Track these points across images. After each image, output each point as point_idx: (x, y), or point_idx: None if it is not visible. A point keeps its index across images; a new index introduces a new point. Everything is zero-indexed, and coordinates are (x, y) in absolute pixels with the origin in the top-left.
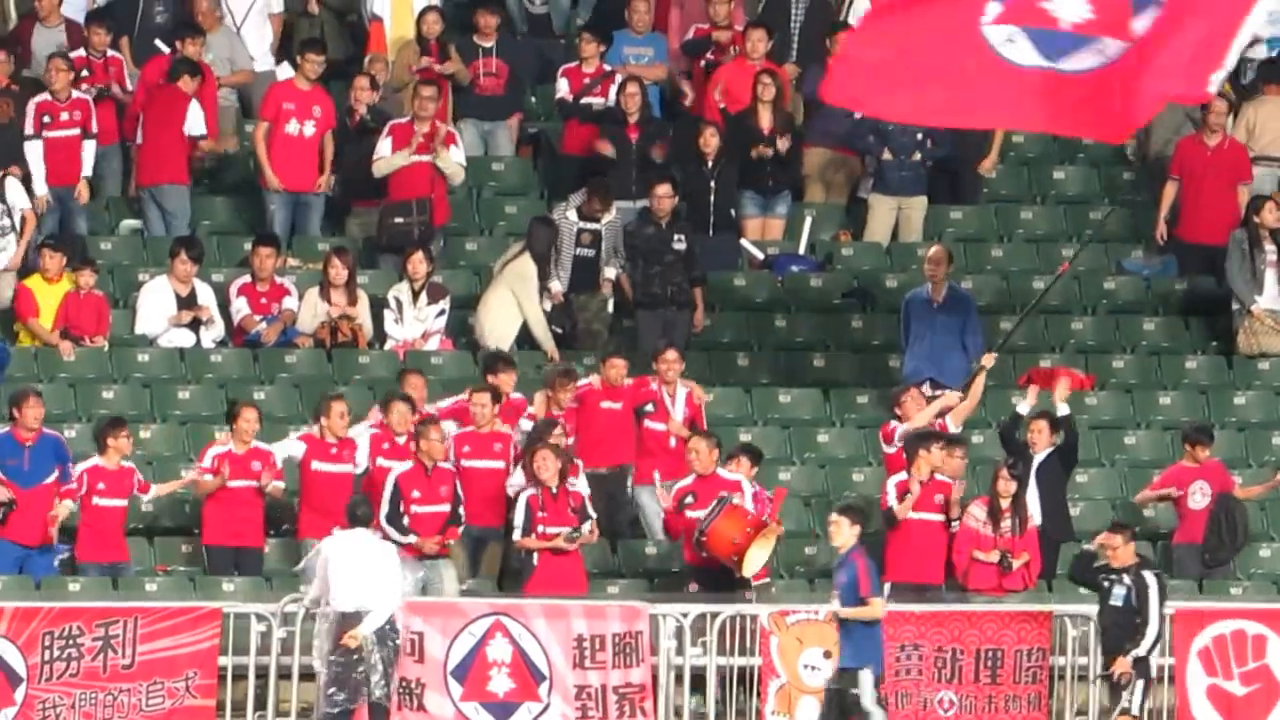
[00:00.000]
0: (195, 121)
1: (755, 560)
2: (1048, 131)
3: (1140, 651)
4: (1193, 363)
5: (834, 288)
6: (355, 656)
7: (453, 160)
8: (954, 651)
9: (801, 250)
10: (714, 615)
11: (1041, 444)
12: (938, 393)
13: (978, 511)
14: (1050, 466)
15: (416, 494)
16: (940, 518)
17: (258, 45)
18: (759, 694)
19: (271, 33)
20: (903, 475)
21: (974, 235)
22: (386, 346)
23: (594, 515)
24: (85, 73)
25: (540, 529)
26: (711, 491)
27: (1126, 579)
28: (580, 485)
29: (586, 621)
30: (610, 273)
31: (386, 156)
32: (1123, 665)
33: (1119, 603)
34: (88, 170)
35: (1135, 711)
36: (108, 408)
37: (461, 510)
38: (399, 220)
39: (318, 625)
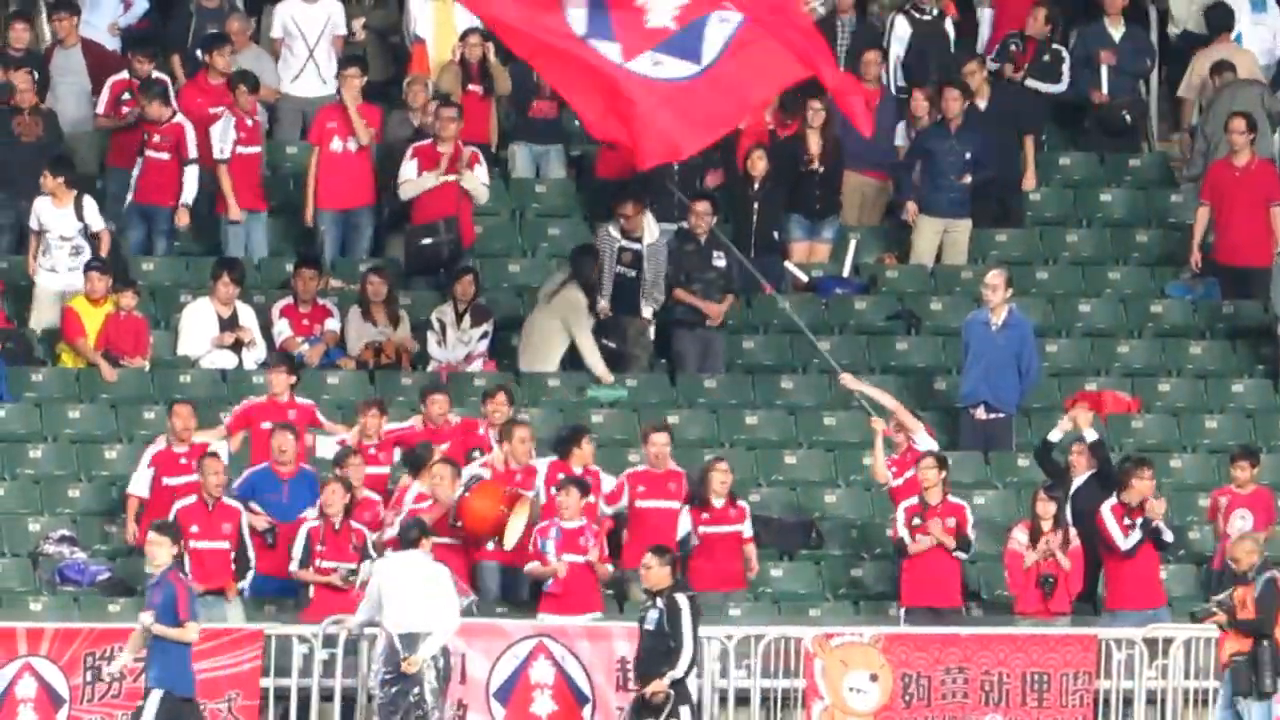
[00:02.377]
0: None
1: (515, 531)
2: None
3: (677, 674)
4: (1239, 386)
5: (878, 310)
6: (410, 680)
7: (477, 180)
8: (1000, 675)
9: (845, 273)
10: (758, 638)
11: (1080, 468)
12: (991, 415)
13: (1020, 535)
14: (1088, 490)
15: (195, 529)
16: (953, 540)
17: (328, 69)
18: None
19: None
20: (914, 500)
21: (1019, 258)
22: (429, 368)
23: (374, 557)
24: (126, 95)
25: (318, 562)
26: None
27: (659, 602)
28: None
29: (629, 644)
30: (647, 311)
31: (413, 179)
32: (657, 685)
33: (651, 626)
34: (188, 196)
35: None
36: (149, 429)
37: (251, 555)
38: (428, 241)
39: (376, 647)
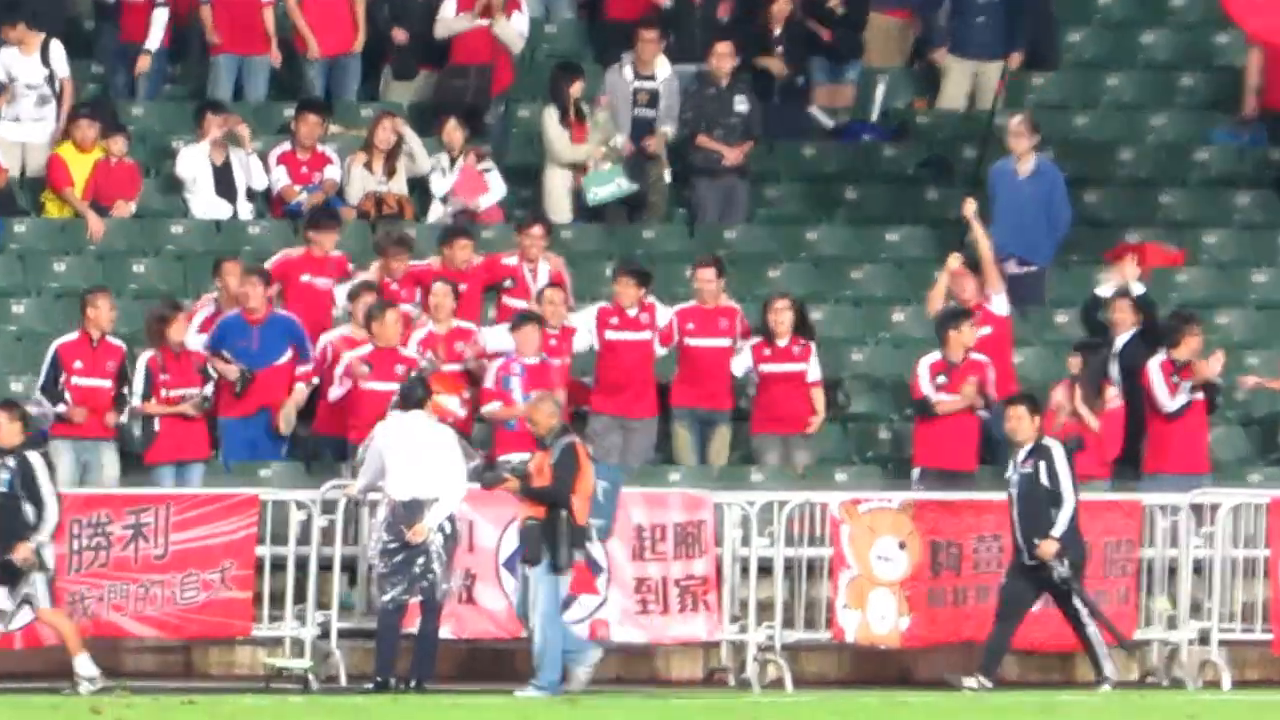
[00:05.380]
0: None
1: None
2: None
3: (43, 537)
4: None
5: (908, 158)
6: (416, 549)
7: (513, 29)
8: None
9: (874, 118)
10: (781, 504)
11: (1125, 325)
12: (1023, 269)
13: (1059, 395)
14: (1134, 347)
15: (79, 365)
16: (981, 400)
17: None
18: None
19: None
20: (936, 356)
21: (1056, 102)
22: (430, 217)
23: (215, 375)
24: None
25: (163, 392)
26: (388, 364)
27: (11, 461)
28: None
29: (646, 510)
30: (668, 130)
31: (447, 19)
32: (25, 550)
33: (4, 488)
34: (153, 42)
35: (44, 605)
36: (138, 282)
37: (126, 391)
38: (456, 83)
39: (377, 515)
